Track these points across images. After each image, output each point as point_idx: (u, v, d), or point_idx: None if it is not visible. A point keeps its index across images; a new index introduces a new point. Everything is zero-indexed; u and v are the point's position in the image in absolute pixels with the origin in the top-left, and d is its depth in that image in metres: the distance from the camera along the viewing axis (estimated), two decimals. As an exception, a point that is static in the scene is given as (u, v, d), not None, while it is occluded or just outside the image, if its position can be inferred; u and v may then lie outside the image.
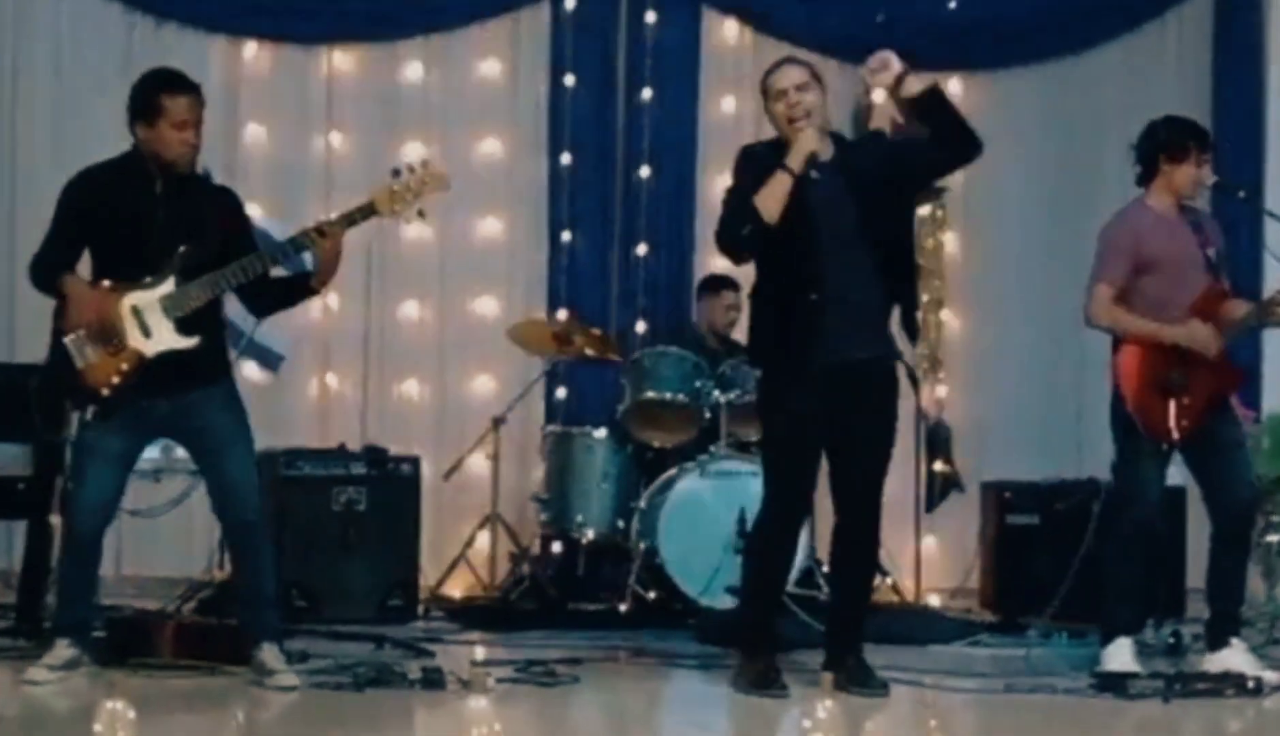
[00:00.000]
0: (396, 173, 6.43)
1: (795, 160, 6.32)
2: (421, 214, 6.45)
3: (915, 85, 6.33)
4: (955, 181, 10.36)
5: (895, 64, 6.28)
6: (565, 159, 10.10)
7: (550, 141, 10.14)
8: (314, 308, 9.58)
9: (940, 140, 6.44)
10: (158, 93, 6.36)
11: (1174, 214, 7.05)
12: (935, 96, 6.38)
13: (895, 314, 6.63)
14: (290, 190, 9.85)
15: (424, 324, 10.09)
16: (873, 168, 6.47)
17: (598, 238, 10.15)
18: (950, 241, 10.48)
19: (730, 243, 6.54)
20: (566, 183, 10.12)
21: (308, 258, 6.47)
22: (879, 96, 10.18)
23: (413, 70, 10.13)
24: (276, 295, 6.59)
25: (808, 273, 6.36)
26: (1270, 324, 7.27)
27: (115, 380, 6.25)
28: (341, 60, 10.06)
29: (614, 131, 10.20)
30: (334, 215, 6.54)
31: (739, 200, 6.44)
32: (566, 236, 10.10)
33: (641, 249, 10.13)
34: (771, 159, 6.40)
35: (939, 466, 9.90)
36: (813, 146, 6.35)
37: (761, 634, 6.62)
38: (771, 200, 6.30)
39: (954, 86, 10.21)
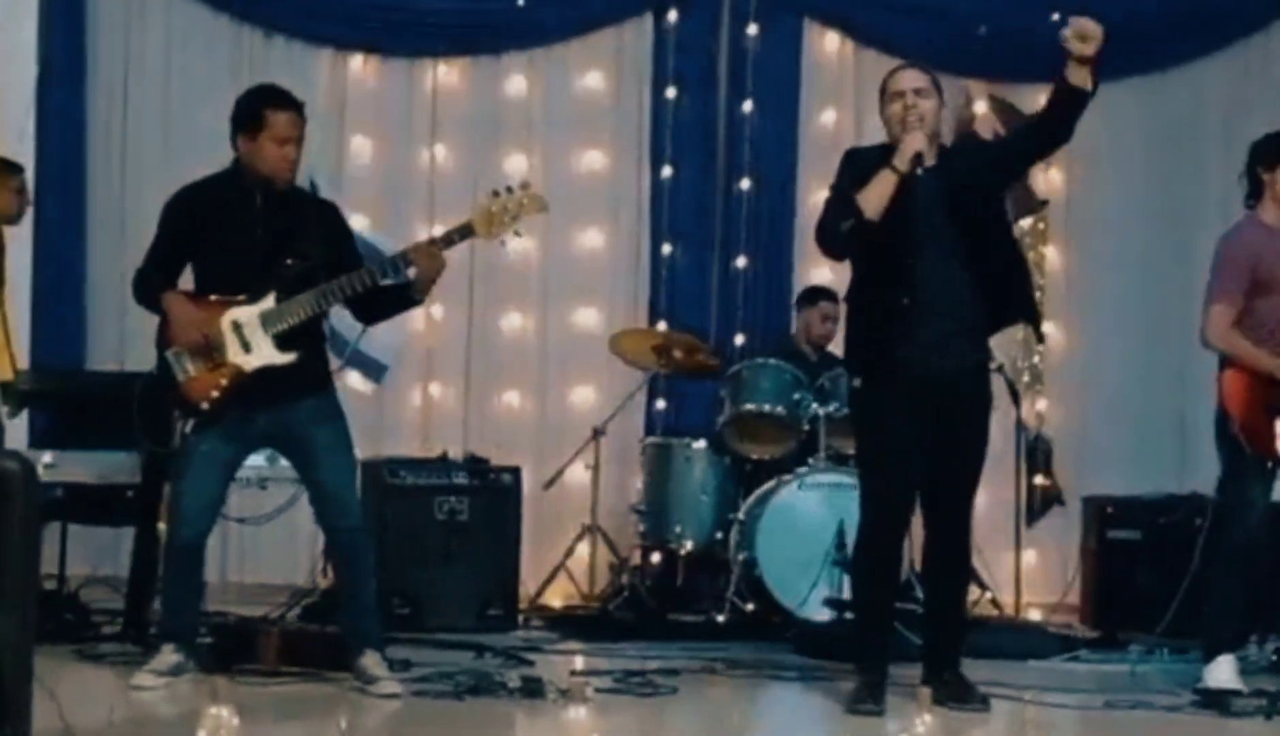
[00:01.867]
0: (495, 194, 6.48)
1: (901, 159, 6.32)
2: (518, 234, 6.50)
3: (1089, 82, 6.27)
4: (1057, 194, 10.36)
5: (1098, 35, 6.19)
6: (666, 171, 10.14)
7: (652, 153, 10.17)
8: (417, 318, 9.66)
9: (1052, 124, 6.42)
10: (261, 106, 6.45)
11: (1283, 228, 7.01)
12: (1085, 98, 6.33)
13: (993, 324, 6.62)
14: (394, 203, 9.94)
15: (525, 334, 10.14)
16: (968, 169, 6.48)
17: (698, 250, 10.17)
18: (1052, 254, 10.44)
19: (829, 238, 6.54)
20: (667, 194, 10.15)
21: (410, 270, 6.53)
22: (980, 107, 10.22)
23: (515, 83, 10.18)
24: (384, 305, 6.66)
25: (902, 276, 6.36)
26: None
27: (214, 394, 6.34)
28: (446, 74, 10.13)
29: (715, 143, 10.22)
30: (435, 235, 6.60)
31: (840, 197, 6.45)
32: (667, 249, 10.13)
33: (741, 261, 10.14)
34: (876, 160, 6.40)
35: (1040, 480, 9.87)
36: (919, 147, 6.35)
37: (869, 649, 6.60)
38: (874, 197, 6.30)
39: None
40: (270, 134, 6.41)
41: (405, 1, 10.03)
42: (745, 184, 10.14)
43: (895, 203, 6.32)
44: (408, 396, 9.97)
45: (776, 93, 10.20)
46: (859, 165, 6.47)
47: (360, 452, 6.92)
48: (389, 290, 6.52)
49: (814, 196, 9.61)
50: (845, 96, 10.27)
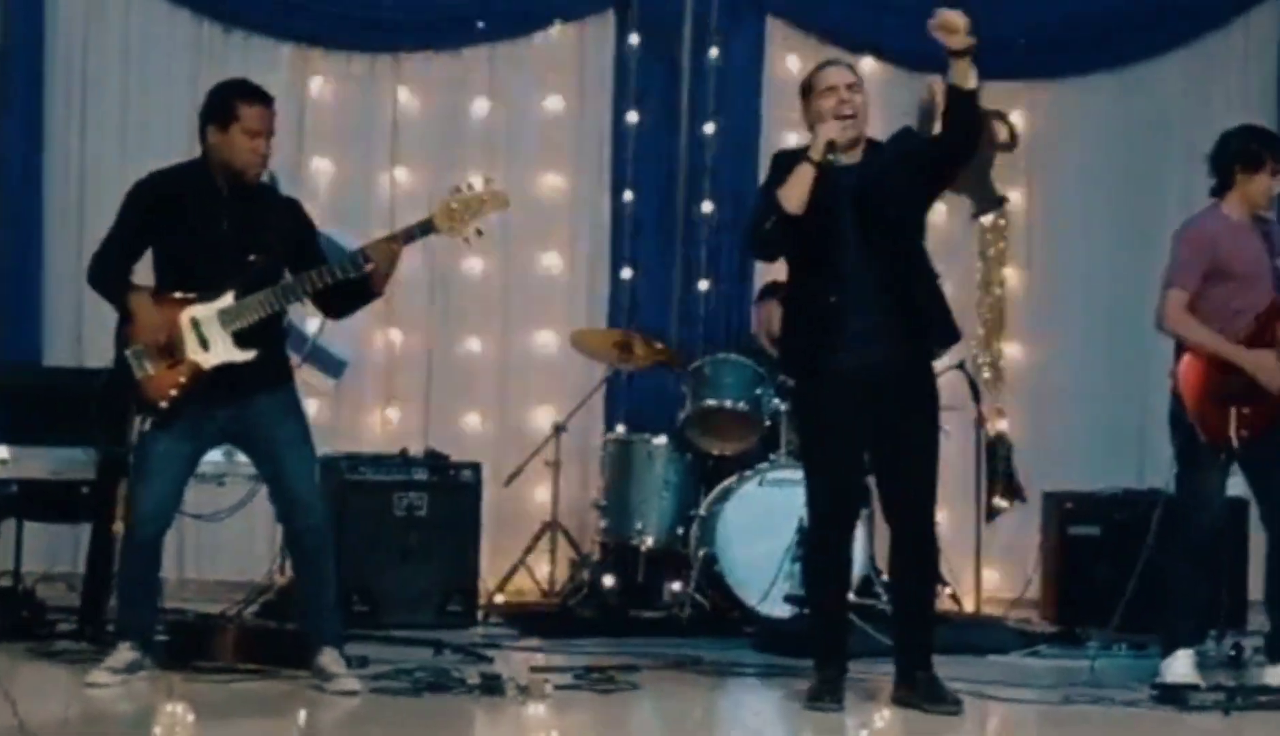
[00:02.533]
0: (457, 190, 6.46)
1: (816, 149, 6.31)
2: (479, 232, 6.48)
3: (971, 78, 6.28)
4: (1017, 192, 10.37)
5: (963, 26, 6.19)
6: (627, 194, 10.10)
7: (613, 175, 10.15)
8: (377, 339, 9.78)
9: (952, 141, 6.43)
10: (234, 98, 6.45)
11: (1246, 222, 7.03)
12: (970, 98, 6.33)
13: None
14: (354, 201, 9.89)
15: (485, 356, 10.09)
16: (882, 168, 6.44)
17: (660, 272, 10.14)
18: (1012, 251, 10.45)
19: (755, 238, 6.53)
20: (629, 216, 10.12)
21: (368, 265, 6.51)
22: (942, 99, 10.21)
23: (478, 106, 10.14)
24: (346, 299, 6.64)
25: (829, 274, 6.36)
26: None
27: (173, 392, 6.33)
28: (406, 95, 10.08)
29: (677, 165, 10.20)
30: (395, 230, 6.58)
31: (765, 197, 6.45)
32: (628, 273, 10.09)
33: (704, 284, 10.10)
34: (799, 157, 6.39)
35: (1000, 476, 9.87)
36: (832, 134, 6.33)
37: (824, 645, 6.59)
38: (793, 190, 6.29)
39: (1017, 95, 10.22)
40: (242, 126, 6.40)
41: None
42: (707, 206, 10.09)
43: (819, 198, 6.30)
44: (367, 417, 9.90)
45: (739, 113, 10.16)
46: (784, 165, 6.45)
47: (320, 450, 6.89)
48: (349, 284, 6.49)
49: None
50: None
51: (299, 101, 9.89)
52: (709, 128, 10.11)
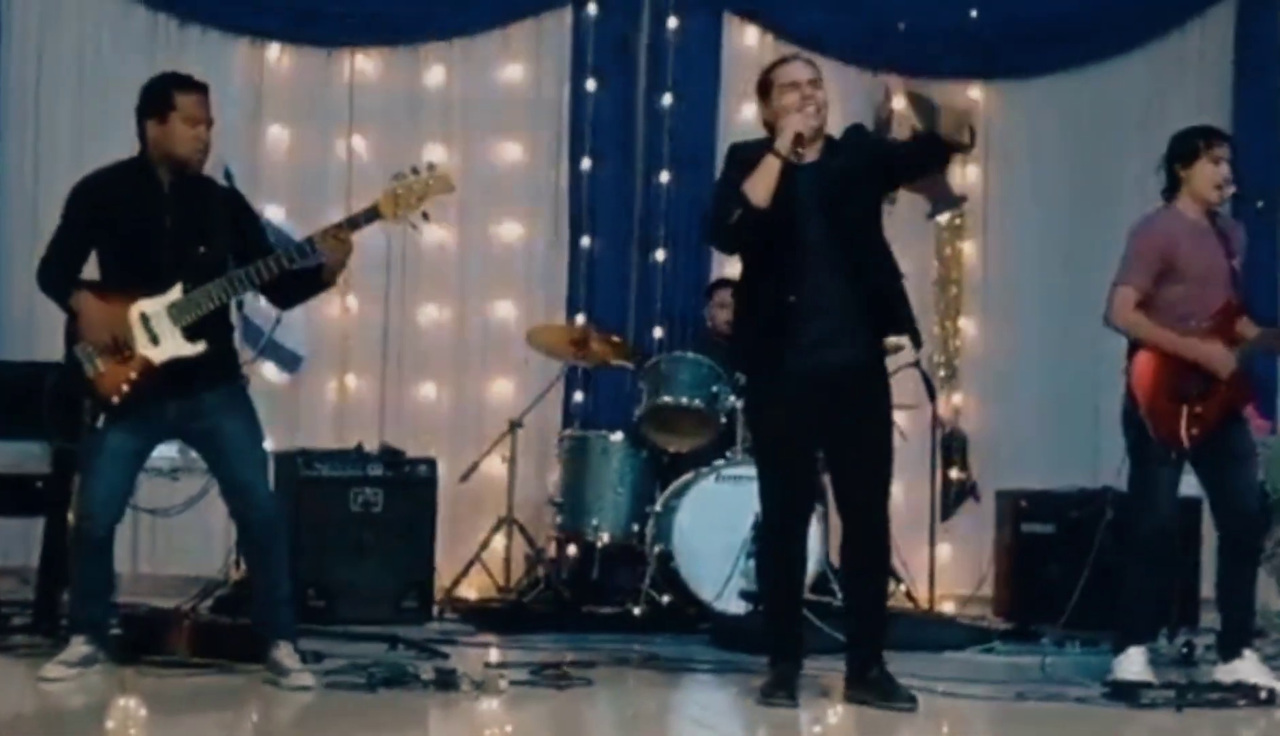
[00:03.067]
0: (401, 175, 6.44)
1: (783, 143, 6.28)
2: (426, 216, 6.46)
3: (909, 124, 6.35)
4: (975, 190, 10.41)
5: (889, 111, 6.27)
6: (585, 163, 10.13)
7: (571, 146, 10.16)
8: (333, 308, 9.66)
9: (926, 151, 6.45)
10: (170, 89, 6.44)
11: (1203, 222, 7.03)
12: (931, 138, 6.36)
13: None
14: (311, 191, 9.88)
15: (442, 327, 10.11)
16: (844, 166, 6.43)
17: (617, 243, 10.17)
18: (969, 250, 10.51)
19: (719, 231, 6.51)
20: (586, 187, 10.14)
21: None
22: (899, 103, 10.25)
23: (434, 74, 10.15)
24: (297, 289, 6.62)
25: (785, 273, 6.35)
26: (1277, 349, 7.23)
27: (124, 388, 6.31)
28: (364, 63, 10.08)
29: (635, 136, 10.22)
30: (340, 220, 6.57)
31: (727, 190, 6.42)
32: (586, 242, 10.12)
33: (660, 254, 10.15)
34: (760, 151, 6.37)
35: (954, 474, 9.92)
36: (798, 127, 6.30)
37: (779, 642, 6.60)
38: (760, 184, 6.27)
39: (974, 94, 10.26)
40: (181, 115, 6.39)
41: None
42: (665, 177, 10.13)
43: (779, 196, 6.29)
44: (323, 389, 9.91)
45: (696, 86, 10.19)
46: (744, 158, 6.43)
47: (274, 444, 6.87)
48: (300, 274, 6.47)
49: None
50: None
51: (255, 87, 9.88)
52: (666, 98, 10.13)
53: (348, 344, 10.00)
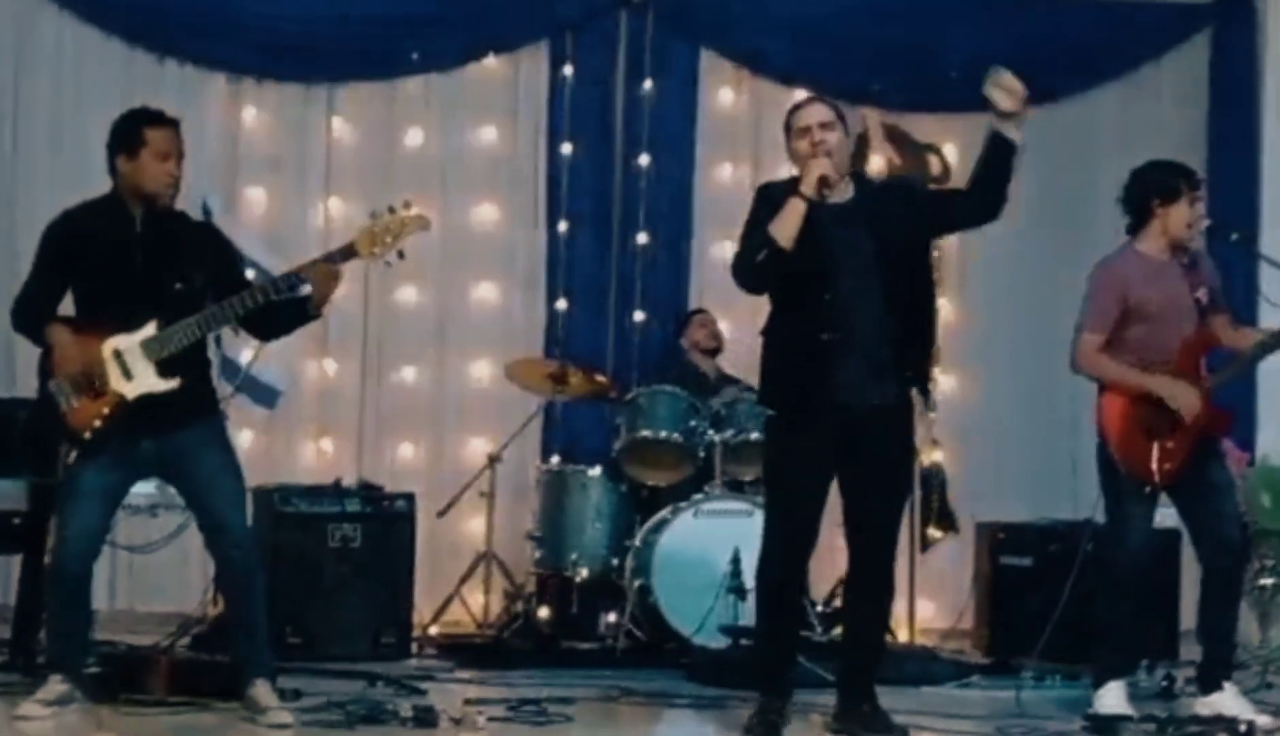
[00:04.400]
0: (376, 215, 6.44)
1: (808, 185, 6.30)
2: (401, 255, 6.46)
3: (1015, 132, 6.31)
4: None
5: (1020, 93, 6.23)
6: (562, 226, 10.15)
7: (548, 207, 10.18)
8: (312, 374, 9.74)
9: (984, 192, 6.46)
10: (140, 125, 6.43)
11: (1165, 258, 7.05)
12: (1013, 151, 6.35)
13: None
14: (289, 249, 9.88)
15: (420, 388, 10.12)
16: (897, 213, 6.46)
17: (594, 303, 10.18)
18: (944, 283, 10.48)
19: (746, 271, 6.49)
20: (563, 250, 10.15)
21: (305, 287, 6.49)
22: (876, 135, 10.29)
23: (412, 137, 10.16)
24: (280, 321, 6.61)
25: (823, 312, 6.35)
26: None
27: (97, 423, 6.29)
28: (341, 127, 10.11)
29: (611, 196, 10.23)
30: (317, 256, 6.56)
31: (754, 231, 6.45)
32: (563, 305, 10.14)
33: (639, 316, 10.15)
34: (786, 193, 6.39)
35: (934, 507, 9.90)
36: (822, 170, 6.31)
37: (771, 677, 6.60)
38: (785, 225, 6.29)
39: (950, 127, 10.27)
40: (151, 150, 6.38)
41: (299, 26, 9.93)
42: (642, 238, 10.15)
43: (812, 239, 6.29)
44: (300, 449, 9.88)
45: (672, 147, 10.24)
46: (771, 199, 6.45)
47: (251, 480, 6.85)
48: (284, 306, 6.46)
49: (710, 250, 10.02)
50: (741, 151, 10.39)
51: (233, 131, 9.89)
52: (643, 160, 10.14)
53: (325, 406, 10.02)
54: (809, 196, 6.30)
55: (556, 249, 10.17)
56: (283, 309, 6.48)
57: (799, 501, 6.51)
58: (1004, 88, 6.21)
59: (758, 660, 6.78)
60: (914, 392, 6.61)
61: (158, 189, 6.40)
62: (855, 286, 6.36)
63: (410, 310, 10.00)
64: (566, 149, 10.15)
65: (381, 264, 6.51)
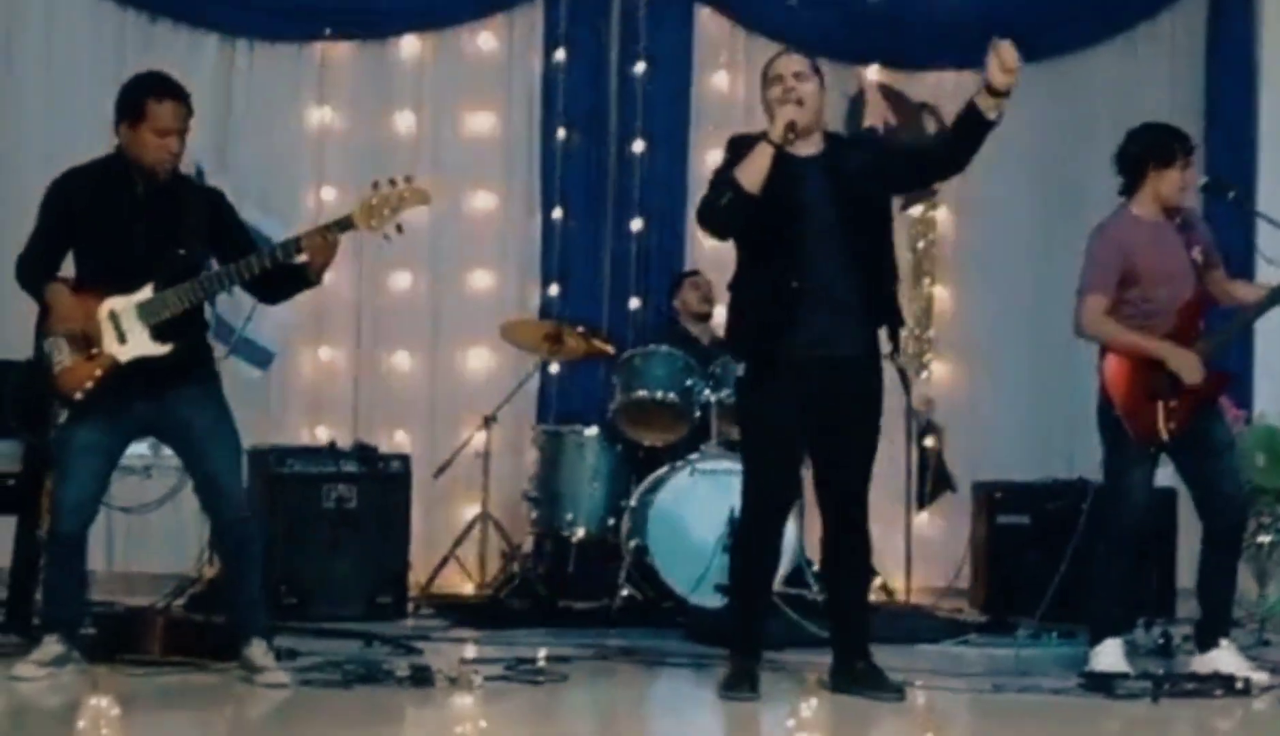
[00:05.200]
0: (376, 186, 6.40)
1: (775, 130, 6.31)
2: (399, 228, 6.43)
3: (996, 111, 6.24)
4: (944, 183, 10.40)
5: (1014, 68, 6.17)
6: (557, 211, 10.09)
7: (542, 192, 10.15)
8: (306, 360, 9.85)
9: (953, 153, 6.47)
10: (144, 96, 6.34)
11: (1159, 219, 7.07)
12: (989, 127, 6.31)
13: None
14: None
15: (414, 375, 10.10)
16: (861, 166, 6.47)
17: (588, 289, 10.17)
18: (942, 238, 10.49)
19: (710, 214, 6.48)
20: (558, 233, 10.13)
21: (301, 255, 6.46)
22: (872, 96, 10.27)
23: (404, 121, 10.13)
24: (282, 286, 6.58)
25: (790, 261, 6.35)
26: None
27: (88, 384, 6.28)
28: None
29: (606, 181, 10.21)
30: (314, 227, 6.53)
31: (722, 176, 6.44)
32: (556, 290, 10.13)
33: (634, 302, 10.16)
34: (755, 141, 6.39)
35: (930, 466, 9.90)
36: (791, 116, 6.31)
37: (745, 634, 6.61)
38: (751, 169, 6.29)
39: (945, 85, 10.24)
40: (151, 125, 6.31)
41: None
42: (636, 224, 10.14)
43: (781, 186, 6.30)
44: (294, 437, 9.77)
45: (667, 128, 10.21)
46: (741, 147, 6.45)
47: (247, 440, 6.84)
48: (285, 270, 6.42)
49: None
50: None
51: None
52: (638, 145, 10.11)
53: (319, 393, 10.00)
54: (776, 142, 6.30)
55: (551, 234, 10.14)
56: (283, 275, 6.45)
57: (772, 458, 6.51)
58: (1002, 60, 6.17)
59: (732, 618, 6.78)
60: (883, 335, 6.60)
61: (153, 162, 6.35)
62: (822, 236, 6.36)
63: (404, 296, 9.97)
64: (561, 133, 10.12)
65: (380, 237, 6.47)
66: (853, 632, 6.58)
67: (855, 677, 6.45)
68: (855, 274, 6.39)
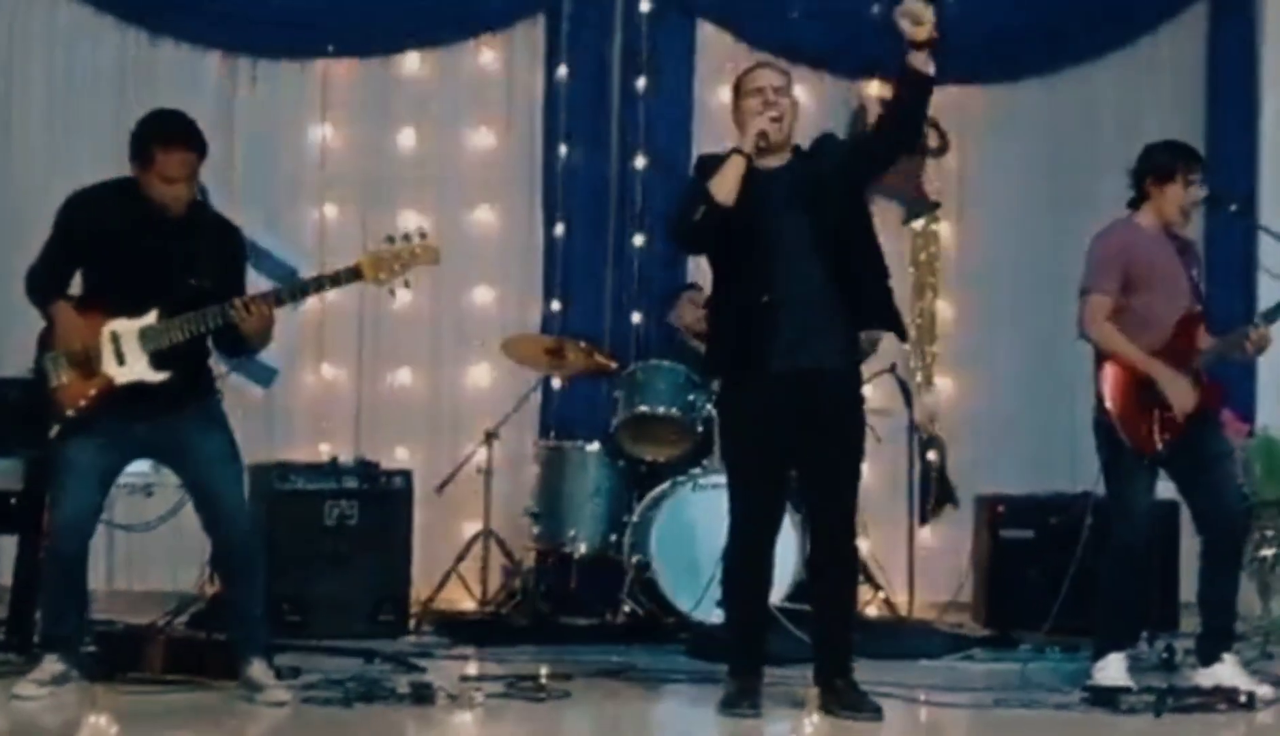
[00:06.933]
0: (390, 240, 6.40)
1: (746, 141, 6.33)
2: (407, 284, 6.42)
3: (927, 64, 6.25)
4: (950, 190, 10.41)
5: (928, 19, 6.17)
6: (559, 228, 10.07)
7: (545, 209, 10.13)
8: (308, 378, 9.79)
9: (898, 125, 6.47)
10: (151, 143, 6.30)
11: (1161, 235, 7.08)
12: (927, 82, 6.32)
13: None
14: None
15: (416, 392, 10.08)
16: (827, 168, 6.45)
17: (591, 305, 10.11)
18: (944, 252, 10.48)
19: (683, 228, 6.50)
20: (560, 250, 10.11)
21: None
22: (874, 112, 10.25)
23: (406, 138, 10.11)
24: (228, 342, 6.52)
25: (761, 276, 6.34)
26: (1234, 358, 7.25)
27: (82, 403, 6.29)
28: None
29: (608, 197, 10.17)
30: (323, 274, 6.54)
31: (693, 191, 6.45)
32: (558, 306, 10.08)
33: (636, 317, 10.12)
34: (722, 160, 6.40)
35: (933, 480, 9.89)
36: (764, 127, 6.34)
37: (741, 652, 6.58)
38: (724, 181, 6.30)
39: (947, 98, 10.23)
40: (159, 173, 6.29)
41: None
42: (638, 240, 10.12)
43: (750, 199, 6.30)
44: (296, 454, 9.74)
45: (669, 144, 10.14)
46: (709, 166, 6.46)
47: (249, 457, 6.83)
48: (227, 328, 6.36)
49: None
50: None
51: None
52: (639, 161, 10.10)
53: (321, 410, 9.97)
54: (747, 152, 6.31)
55: (553, 251, 10.12)
56: (225, 332, 6.38)
57: (754, 475, 6.49)
58: (910, 15, 6.16)
59: (728, 637, 6.76)
60: (885, 333, 6.60)
61: (161, 205, 6.33)
62: (794, 247, 6.35)
63: (406, 313, 9.92)
64: (563, 150, 10.10)
65: (386, 292, 6.46)
66: (833, 649, 6.52)
67: (834, 695, 6.39)
68: (834, 282, 6.36)
